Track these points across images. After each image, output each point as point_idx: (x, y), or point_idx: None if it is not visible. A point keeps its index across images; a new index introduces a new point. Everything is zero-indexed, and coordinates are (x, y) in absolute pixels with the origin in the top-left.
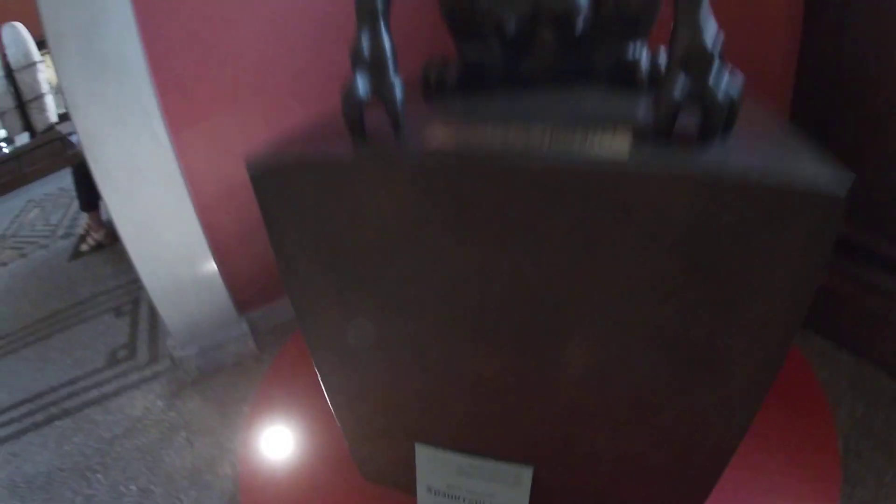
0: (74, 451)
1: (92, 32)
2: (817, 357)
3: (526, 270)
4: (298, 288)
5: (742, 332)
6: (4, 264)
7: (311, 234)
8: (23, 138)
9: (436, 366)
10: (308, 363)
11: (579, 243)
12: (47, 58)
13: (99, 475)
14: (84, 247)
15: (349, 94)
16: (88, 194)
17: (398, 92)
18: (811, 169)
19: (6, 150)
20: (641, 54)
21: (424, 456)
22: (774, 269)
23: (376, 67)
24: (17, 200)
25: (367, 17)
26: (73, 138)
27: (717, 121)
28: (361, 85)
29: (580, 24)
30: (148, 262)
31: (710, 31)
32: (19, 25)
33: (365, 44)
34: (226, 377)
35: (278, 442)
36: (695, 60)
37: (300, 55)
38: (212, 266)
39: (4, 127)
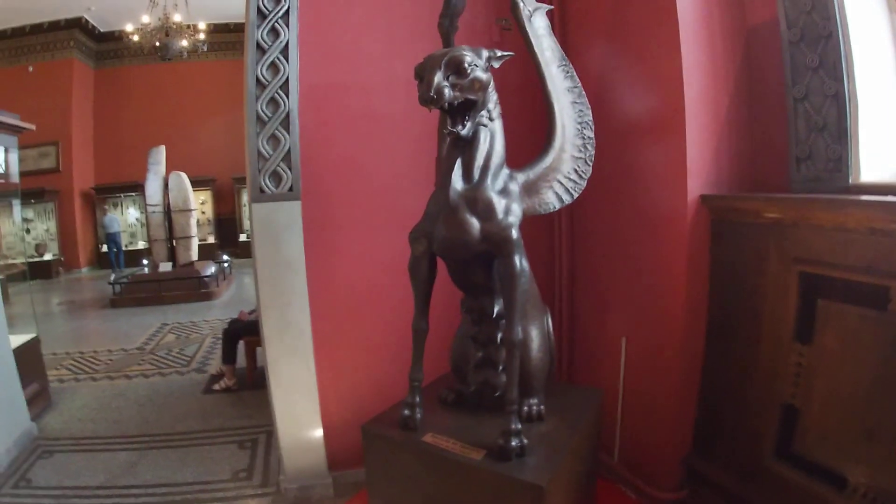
0: None
1: (286, 308)
2: None
3: (448, 485)
4: (372, 478)
5: None
6: (146, 376)
7: (381, 459)
8: (166, 266)
9: None
10: None
11: (464, 481)
12: (198, 202)
13: None
14: (216, 387)
15: (401, 419)
16: (231, 352)
17: (418, 419)
18: (540, 473)
19: (146, 270)
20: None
21: None
22: None
23: (412, 409)
24: (151, 318)
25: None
26: (206, 279)
27: (514, 456)
28: (406, 415)
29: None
30: (287, 433)
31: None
32: (184, 175)
33: (409, 399)
34: None
35: None
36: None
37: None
38: (321, 442)
39: (153, 252)
